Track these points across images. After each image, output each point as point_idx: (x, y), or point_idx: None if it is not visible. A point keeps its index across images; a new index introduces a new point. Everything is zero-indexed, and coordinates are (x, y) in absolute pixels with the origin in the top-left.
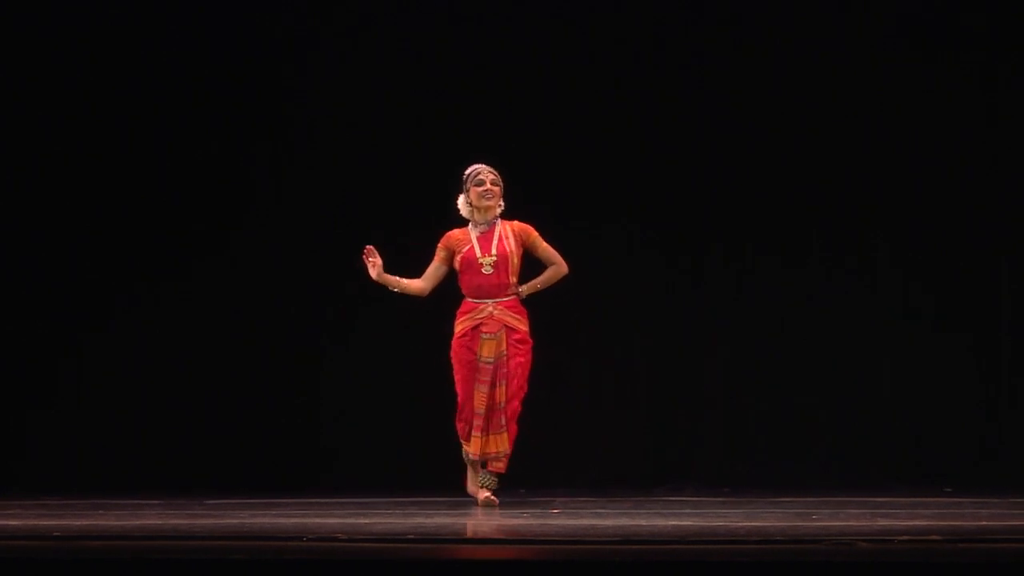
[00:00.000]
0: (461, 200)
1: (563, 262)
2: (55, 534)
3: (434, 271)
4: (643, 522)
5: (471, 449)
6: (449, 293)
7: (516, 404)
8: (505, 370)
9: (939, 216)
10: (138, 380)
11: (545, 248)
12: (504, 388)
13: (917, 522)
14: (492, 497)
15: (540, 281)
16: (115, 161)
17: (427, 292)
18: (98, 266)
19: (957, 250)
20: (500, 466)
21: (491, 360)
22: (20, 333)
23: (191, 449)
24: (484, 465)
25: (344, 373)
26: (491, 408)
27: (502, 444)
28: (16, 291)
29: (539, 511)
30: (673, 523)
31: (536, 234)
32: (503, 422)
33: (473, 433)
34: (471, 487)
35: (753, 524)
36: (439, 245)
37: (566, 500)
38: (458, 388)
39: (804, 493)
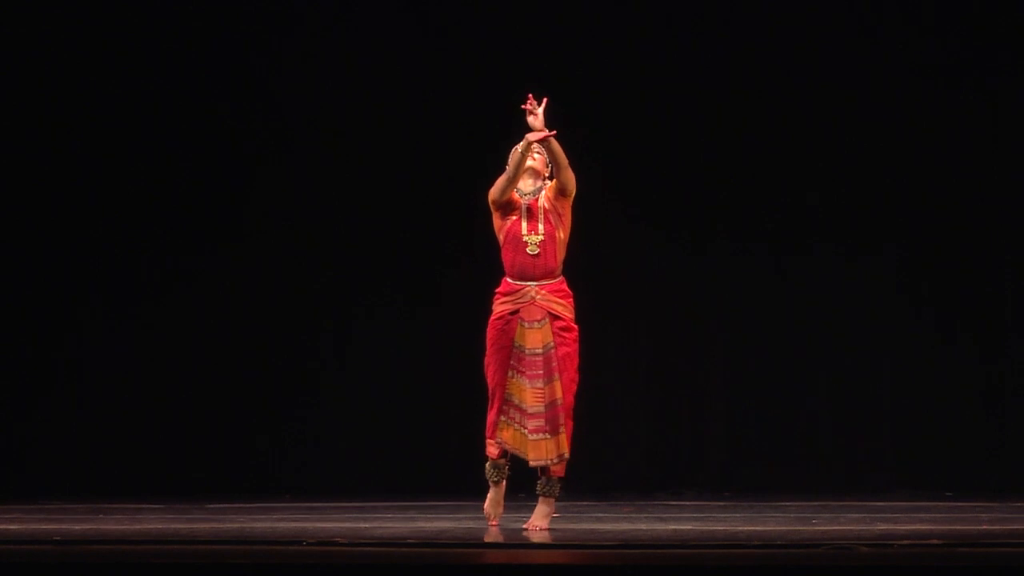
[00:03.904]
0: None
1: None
2: (55, 538)
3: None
4: (643, 526)
5: (493, 446)
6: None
7: (570, 399)
8: (555, 363)
9: (941, 217)
10: (138, 384)
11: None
12: (558, 383)
13: (917, 526)
14: (540, 527)
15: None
16: (114, 163)
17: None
18: (97, 269)
19: (959, 252)
20: (560, 470)
21: (539, 351)
22: (19, 336)
23: (191, 453)
24: (544, 471)
25: (344, 375)
26: (551, 406)
27: (563, 446)
28: (15, 294)
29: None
30: (673, 527)
31: None
32: (561, 420)
33: (502, 421)
34: (488, 507)
35: (753, 528)
36: None
37: (566, 504)
38: (488, 374)
39: (804, 497)
